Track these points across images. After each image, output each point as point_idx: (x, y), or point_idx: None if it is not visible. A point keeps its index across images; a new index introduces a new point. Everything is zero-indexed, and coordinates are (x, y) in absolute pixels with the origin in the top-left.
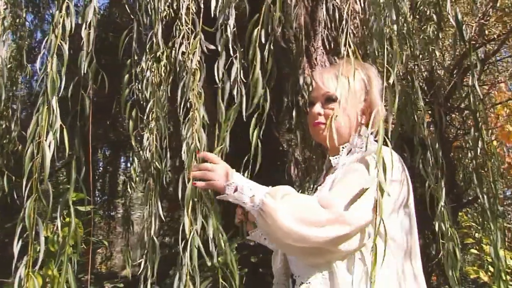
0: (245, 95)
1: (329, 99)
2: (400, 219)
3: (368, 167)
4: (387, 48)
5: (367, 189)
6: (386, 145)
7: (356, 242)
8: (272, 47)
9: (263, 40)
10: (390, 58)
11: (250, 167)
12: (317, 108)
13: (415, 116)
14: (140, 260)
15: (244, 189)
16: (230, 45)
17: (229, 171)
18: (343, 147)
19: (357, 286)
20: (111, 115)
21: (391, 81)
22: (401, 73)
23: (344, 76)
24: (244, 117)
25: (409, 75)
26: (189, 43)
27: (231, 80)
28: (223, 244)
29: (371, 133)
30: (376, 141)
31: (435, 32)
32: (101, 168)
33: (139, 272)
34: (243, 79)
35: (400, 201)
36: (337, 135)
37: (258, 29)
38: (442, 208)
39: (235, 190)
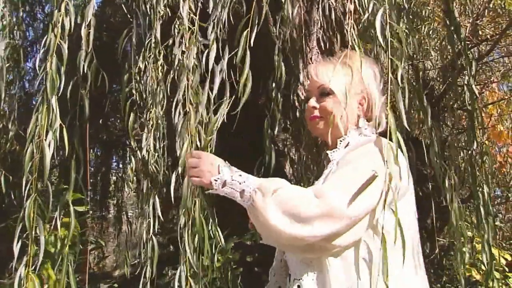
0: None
1: (324, 92)
2: (410, 204)
3: (364, 158)
4: (391, 40)
5: (367, 180)
6: (392, 138)
7: (352, 236)
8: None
9: (251, 42)
10: (397, 52)
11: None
12: (312, 102)
13: (422, 113)
14: (136, 260)
15: (233, 183)
16: (220, 44)
17: (215, 165)
18: (340, 141)
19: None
20: (103, 114)
21: (399, 76)
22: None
23: (340, 67)
24: (225, 118)
25: (414, 73)
26: (189, 40)
27: (219, 76)
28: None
29: (369, 125)
30: (380, 134)
31: (445, 32)
32: (92, 169)
33: (137, 272)
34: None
35: (409, 186)
36: (333, 129)
37: (248, 30)
38: (455, 204)
39: (224, 185)
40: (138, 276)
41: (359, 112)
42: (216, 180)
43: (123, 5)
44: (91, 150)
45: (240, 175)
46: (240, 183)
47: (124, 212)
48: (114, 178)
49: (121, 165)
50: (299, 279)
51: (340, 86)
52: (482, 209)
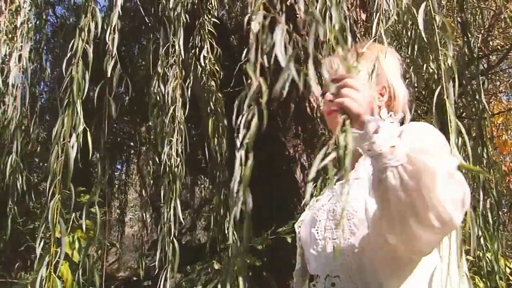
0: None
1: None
2: None
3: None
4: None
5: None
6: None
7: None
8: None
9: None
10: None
11: None
12: (328, 95)
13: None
14: (134, 263)
15: (386, 134)
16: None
17: (371, 105)
18: None
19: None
20: (109, 117)
21: (450, 52)
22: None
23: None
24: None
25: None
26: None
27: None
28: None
29: (392, 115)
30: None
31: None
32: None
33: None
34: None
35: None
36: (355, 122)
37: None
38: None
39: (376, 131)
40: (141, 279)
41: (379, 103)
42: (372, 121)
43: (141, 10)
44: (96, 152)
45: (391, 127)
46: (392, 137)
47: (125, 214)
48: (117, 181)
49: (124, 168)
50: (333, 276)
51: (357, 77)
52: (491, 219)
